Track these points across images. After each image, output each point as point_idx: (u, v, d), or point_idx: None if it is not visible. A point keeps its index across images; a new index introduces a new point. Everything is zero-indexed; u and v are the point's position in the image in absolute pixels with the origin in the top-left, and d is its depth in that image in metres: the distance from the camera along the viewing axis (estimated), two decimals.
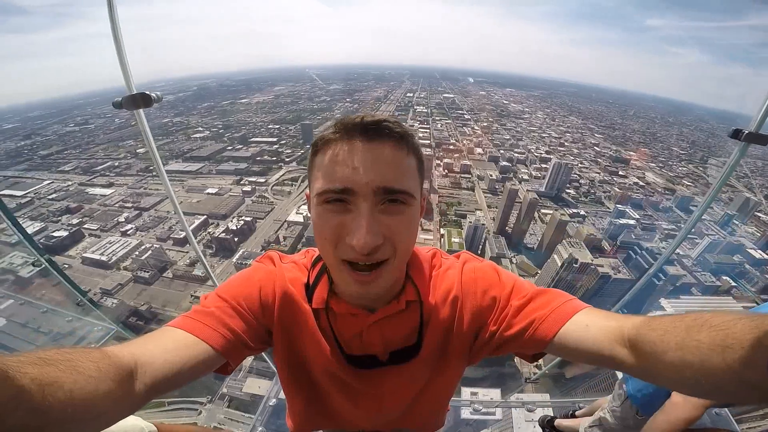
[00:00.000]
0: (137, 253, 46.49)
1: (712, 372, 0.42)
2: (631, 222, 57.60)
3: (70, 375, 0.41)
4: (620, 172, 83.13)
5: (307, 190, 0.72)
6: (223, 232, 51.30)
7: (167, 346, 0.63)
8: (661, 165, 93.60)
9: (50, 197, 64.71)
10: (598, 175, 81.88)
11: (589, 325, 0.63)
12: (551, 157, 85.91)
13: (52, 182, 70.94)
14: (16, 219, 2.20)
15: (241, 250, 48.15)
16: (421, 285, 0.81)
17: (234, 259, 45.67)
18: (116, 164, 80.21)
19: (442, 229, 58.29)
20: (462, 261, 0.87)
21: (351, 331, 0.81)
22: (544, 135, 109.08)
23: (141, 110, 1.52)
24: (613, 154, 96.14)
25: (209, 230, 53.58)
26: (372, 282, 0.65)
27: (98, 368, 0.46)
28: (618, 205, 64.32)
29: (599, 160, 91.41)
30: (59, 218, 57.40)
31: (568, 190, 72.42)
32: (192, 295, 40.32)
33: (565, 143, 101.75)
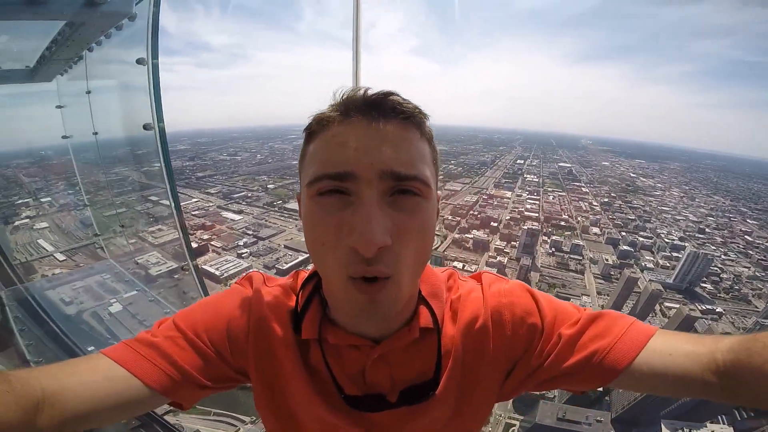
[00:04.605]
0: (244, 274, 52.44)
1: None
2: None
3: None
4: None
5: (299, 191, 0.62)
6: None
7: (87, 376, 0.55)
8: None
9: (194, 212, 77.33)
10: (747, 269, 67.58)
11: (673, 353, 0.56)
12: (686, 244, 73.86)
13: (199, 201, 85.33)
14: (185, 223, 2.59)
15: None
16: (438, 309, 0.69)
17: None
18: (249, 195, 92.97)
19: None
20: (486, 283, 0.74)
21: (351, 367, 0.67)
22: (679, 218, 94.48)
23: None
24: None
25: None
26: (379, 291, 0.51)
27: None
28: None
29: (750, 252, 75.46)
30: (195, 232, 67.82)
31: (704, 284, 60.88)
32: None
33: (707, 229, 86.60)
